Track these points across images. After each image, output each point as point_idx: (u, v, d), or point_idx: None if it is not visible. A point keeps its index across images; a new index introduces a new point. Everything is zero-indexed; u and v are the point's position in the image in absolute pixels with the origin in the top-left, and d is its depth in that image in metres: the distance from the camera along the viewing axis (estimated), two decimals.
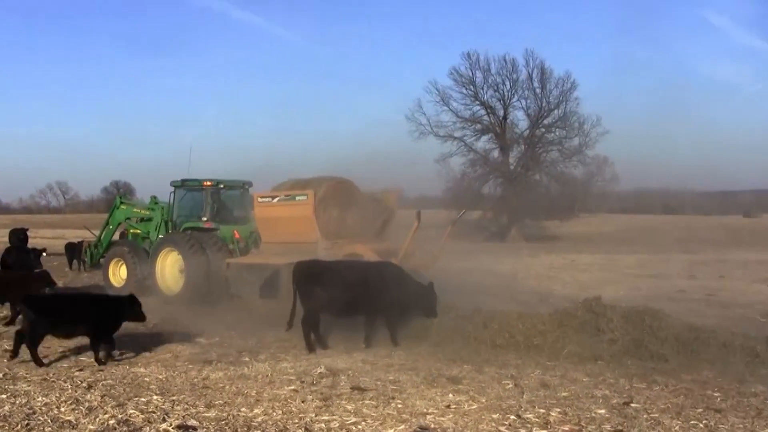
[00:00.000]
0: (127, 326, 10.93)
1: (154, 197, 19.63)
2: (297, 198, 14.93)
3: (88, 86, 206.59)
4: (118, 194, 25.55)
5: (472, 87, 53.17)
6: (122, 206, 20.52)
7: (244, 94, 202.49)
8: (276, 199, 15.40)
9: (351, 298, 11.33)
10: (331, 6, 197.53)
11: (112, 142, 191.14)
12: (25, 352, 10.04)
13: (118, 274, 18.74)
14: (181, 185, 18.17)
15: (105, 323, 10.24)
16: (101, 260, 20.37)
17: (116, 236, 20.89)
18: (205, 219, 17.65)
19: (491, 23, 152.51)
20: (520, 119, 54.30)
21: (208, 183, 17.83)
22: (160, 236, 18.45)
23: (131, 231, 20.06)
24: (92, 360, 10.16)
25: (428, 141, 52.92)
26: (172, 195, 18.28)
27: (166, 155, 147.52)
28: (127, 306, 10.56)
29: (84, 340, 11.83)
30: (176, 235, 17.57)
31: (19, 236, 28.87)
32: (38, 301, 10.51)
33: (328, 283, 11.35)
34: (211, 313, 13.76)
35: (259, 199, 15.83)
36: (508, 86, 53.00)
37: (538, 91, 52.41)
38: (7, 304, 14.23)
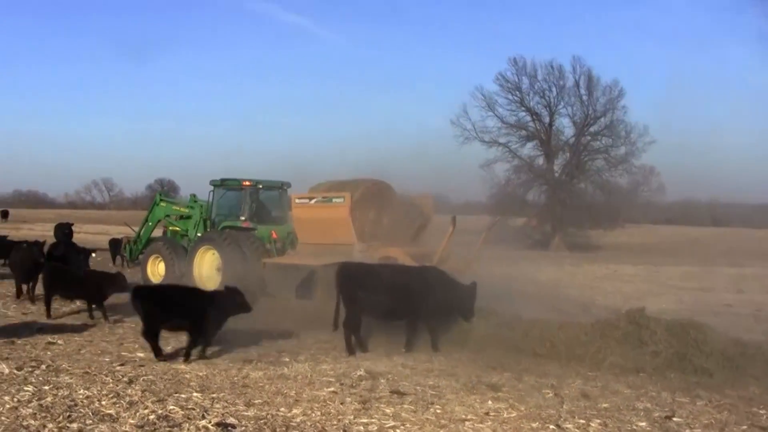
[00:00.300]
0: None
1: (194, 195, 19.82)
2: (334, 200, 14.99)
3: (135, 84, 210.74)
4: (159, 192, 25.78)
5: (518, 93, 52.64)
6: (162, 203, 20.73)
7: (288, 96, 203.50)
8: (313, 201, 15.48)
9: (394, 302, 11.28)
10: (375, 9, 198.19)
11: (157, 139, 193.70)
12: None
13: (156, 271, 18.90)
14: (221, 184, 18.30)
15: (211, 318, 10.24)
16: (140, 256, 20.58)
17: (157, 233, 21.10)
18: (243, 218, 17.71)
19: (538, 29, 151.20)
20: (565, 126, 53.54)
21: (247, 183, 17.91)
22: (198, 234, 18.59)
23: (170, 228, 20.27)
24: (133, 355, 10.22)
25: (473, 146, 52.59)
26: (212, 194, 18.40)
27: (209, 154, 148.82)
28: (231, 299, 10.53)
29: (128, 330, 12.01)
30: (214, 234, 17.67)
31: (64, 231, 29.47)
32: (147, 293, 10.54)
33: (371, 286, 11.30)
34: (250, 312, 13.84)
35: (297, 200, 15.92)
36: (555, 93, 52.34)
37: (584, 98, 51.65)
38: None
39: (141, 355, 10.29)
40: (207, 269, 17.39)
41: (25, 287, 15.54)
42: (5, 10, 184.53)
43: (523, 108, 52.99)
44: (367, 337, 11.54)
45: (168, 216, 20.32)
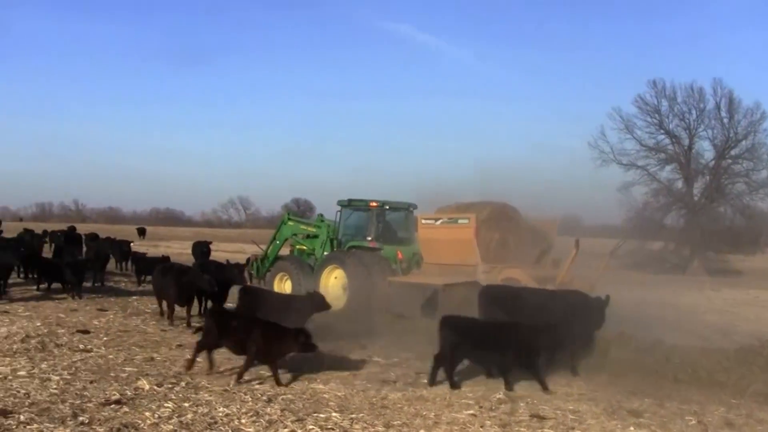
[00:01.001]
0: None
1: (321, 215, 20.32)
2: (459, 221, 15.11)
3: (274, 104, 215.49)
4: (287, 211, 26.50)
5: (657, 115, 51.36)
6: (290, 222, 21.26)
7: (420, 115, 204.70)
8: (439, 222, 15.63)
9: None
10: (512, 30, 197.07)
11: (295, 159, 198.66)
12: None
13: (282, 289, 19.33)
14: (348, 205, 18.67)
15: (524, 353, 10.09)
16: (267, 274, 21.08)
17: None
18: (370, 238, 17.99)
19: (676, 50, 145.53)
20: (705, 149, 51.91)
21: (374, 204, 18.19)
22: (325, 253, 18.97)
23: (297, 247, 20.75)
24: (272, 374, 10.25)
25: (610, 169, 51.59)
26: (339, 214, 18.81)
27: (345, 174, 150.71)
28: (545, 335, 10.21)
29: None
30: (341, 253, 18.03)
31: (202, 249, 30.45)
32: (460, 324, 10.43)
33: (513, 309, 11.24)
34: (387, 333, 13.86)
35: (423, 221, 16.11)
36: (695, 116, 50.78)
37: (725, 121, 49.98)
38: None
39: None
40: (333, 288, 17.69)
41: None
42: (151, 24, 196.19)
43: (662, 131, 51.69)
44: None
45: (295, 235, 20.80)
